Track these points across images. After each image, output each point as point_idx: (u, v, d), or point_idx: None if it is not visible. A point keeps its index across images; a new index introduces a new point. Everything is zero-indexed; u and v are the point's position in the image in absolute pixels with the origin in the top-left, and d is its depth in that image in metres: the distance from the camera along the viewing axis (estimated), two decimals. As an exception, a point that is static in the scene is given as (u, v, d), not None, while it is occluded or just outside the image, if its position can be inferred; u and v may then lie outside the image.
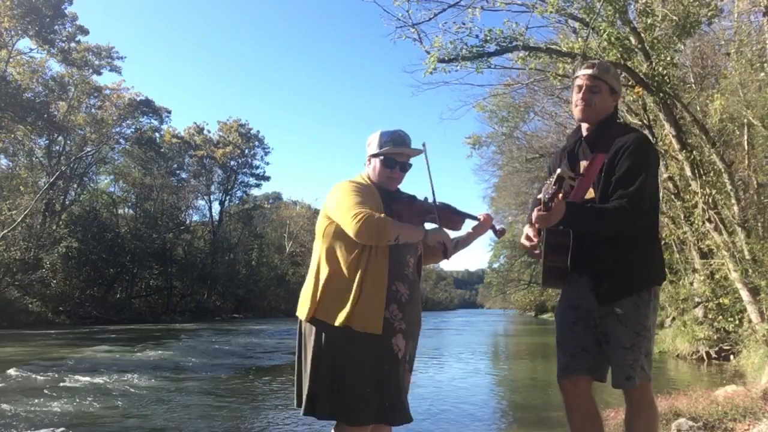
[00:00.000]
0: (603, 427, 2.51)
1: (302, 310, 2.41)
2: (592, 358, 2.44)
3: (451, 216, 2.63)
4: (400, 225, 2.32)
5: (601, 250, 2.38)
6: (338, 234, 2.36)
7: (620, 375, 2.36)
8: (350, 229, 2.26)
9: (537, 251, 2.56)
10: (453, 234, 2.66)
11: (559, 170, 2.12)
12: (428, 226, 2.61)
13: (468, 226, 2.70)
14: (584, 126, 2.55)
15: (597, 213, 2.30)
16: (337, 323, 2.29)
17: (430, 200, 2.57)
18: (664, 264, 2.61)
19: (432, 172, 2.53)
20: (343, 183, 2.46)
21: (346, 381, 2.27)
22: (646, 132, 11.46)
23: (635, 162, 2.31)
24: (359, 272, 2.32)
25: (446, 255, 2.49)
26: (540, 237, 2.54)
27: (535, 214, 2.22)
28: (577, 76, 2.55)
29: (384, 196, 2.47)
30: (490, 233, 2.74)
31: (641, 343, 2.35)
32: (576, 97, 2.50)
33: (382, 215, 2.28)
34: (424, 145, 2.55)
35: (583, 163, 2.51)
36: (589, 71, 2.46)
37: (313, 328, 2.36)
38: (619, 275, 2.36)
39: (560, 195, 2.14)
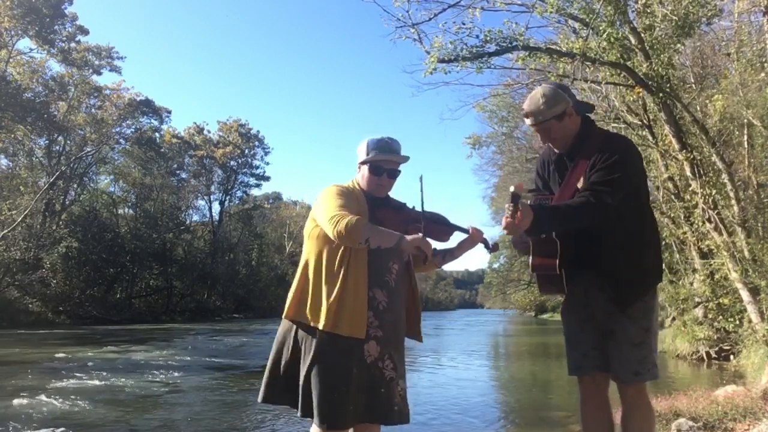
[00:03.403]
0: (614, 425, 2.53)
1: (286, 306, 2.47)
2: (601, 356, 2.46)
3: (439, 227, 2.60)
4: (372, 228, 2.31)
5: (608, 252, 2.39)
6: (323, 237, 2.41)
7: (627, 371, 2.38)
8: (328, 229, 2.32)
9: (523, 240, 2.54)
10: (441, 246, 2.65)
11: (511, 188, 2.15)
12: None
13: (458, 238, 2.66)
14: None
15: (563, 211, 2.31)
16: (318, 326, 2.33)
17: (418, 209, 2.54)
18: (662, 261, 2.65)
19: (427, 198, 2.52)
20: (330, 186, 2.50)
21: (323, 383, 2.31)
22: (646, 132, 11.46)
23: (611, 162, 2.32)
24: (341, 276, 2.35)
25: (425, 261, 2.47)
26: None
27: (503, 223, 2.22)
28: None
29: (371, 203, 2.50)
30: (481, 247, 2.68)
31: (650, 339, 2.39)
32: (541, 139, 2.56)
33: (357, 217, 2.29)
34: (420, 178, 2.53)
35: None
36: (529, 121, 2.49)
37: (293, 327, 2.43)
38: (635, 280, 2.38)
39: (519, 213, 2.14)
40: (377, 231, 2.33)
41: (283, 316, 2.47)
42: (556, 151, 2.55)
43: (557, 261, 2.41)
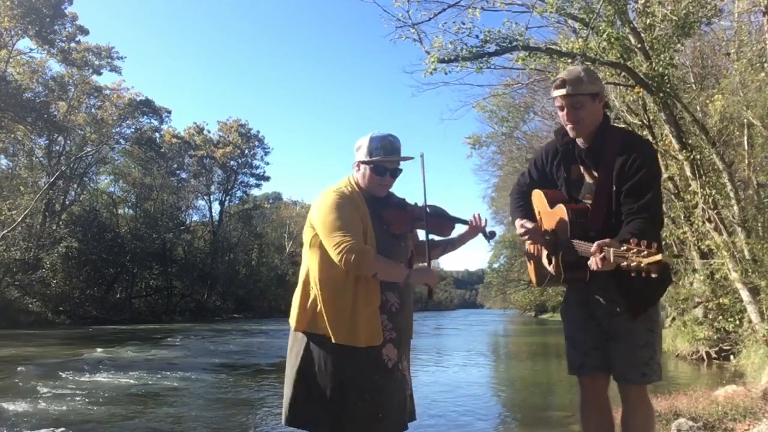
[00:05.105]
0: (614, 425, 2.52)
1: (293, 319, 2.40)
2: (602, 356, 2.46)
3: (442, 222, 2.62)
4: (381, 261, 2.29)
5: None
6: (324, 246, 2.35)
7: (635, 372, 2.37)
8: (332, 255, 2.27)
9: (537, 236, 2.55)
10: (442, 238, 2.68)
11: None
12: (420, 234, 2.63)
13: (459, 229, 2.71)
14: (579, 139, 2.50)
15: (642, 238, 2.18)
16: (334, 339, 2.27)
17: (421, 205, 2.55)
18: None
19: (427, 182, 2.49)
20: (327, 194, 2.41)
21: (337, 396, 2.25)
22: (646, 132, 11.45)
23: (645, 174, 2.29)
24: (350, 285, 2.30)
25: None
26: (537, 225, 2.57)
27: (600, 264, 2.15)
28: (555, 96, 2.45)
29: (373, 202, 2.44)
30: (480, 237, 2.73)
31: (654, 340, 2.39)
32: (562, 116, 2.43)
33: (365, 247, 2.26)
34: (421, 156, 2.49)
35: (581, 168, 2.49)
36: (563, 91, 2.37)
37: (305, 339, 2.36)
38: (646, 288, 2.31)
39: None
40: (386, 265, 2.31)
41: (293, 329, 2.41)
42: (572, 135, 2.46)
43: (587, 270, 2.36)
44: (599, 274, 2.32)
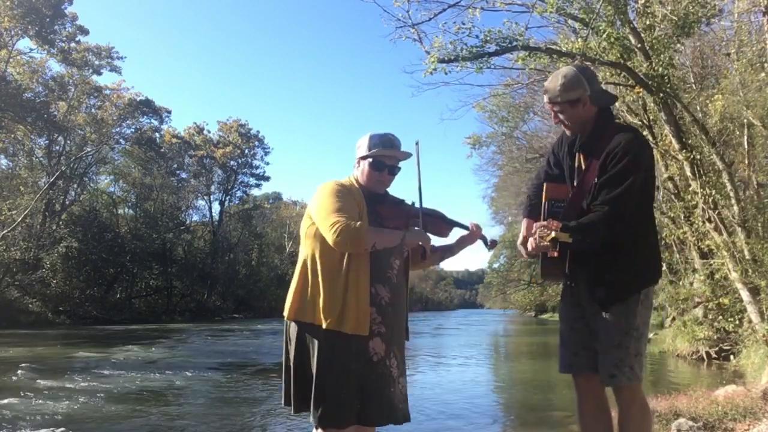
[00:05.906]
0: (612, 425, 2.52)
1: (286, 308, 2.43)
2: (591, 356, 2.46)
3: (439, 223, 2.60)
4: (376, 232, 2.32)
5: (597, 253, 2.39)
6: (320, 235, 2.36)
7: (605, 372, 2.38)
8: (328, 237, 2.28)
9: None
10: (440, 241, 2.66)
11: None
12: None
13: (457, 234, 2.67)
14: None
15: (584, 228, 2.28)
16: (321, 325, 2.30)
17: (418, 206, 2.54)
18: (661, 263, 2.63)
19: (422, 172, 2.51)
20: (326, 184, 2.45)
21: (322, 382, 2.28)
22: (646, 132, 11.46)
23: (622, 167, 2.30)
24: (342, 274, 2.32)
25: (424, 257, 2.49)
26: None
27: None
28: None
29: (370, 199, 2.46)
30: (481, 244, 2.67)
31: (629, 342, 2.36)
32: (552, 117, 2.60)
33: (359, 223, 2.27)
34: (417, 143, 2.52)
35: (581, 157, 2.53)
36: (545, 98, 2.53)
37: (295, 328, 2.40)
38: (617, 281, 2.37)
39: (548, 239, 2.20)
40: (381, 234, 2.34)
41: (285, 318, 2.44)
42: (567, 133, 2.57)
43: (566, 263, 2.43)
44: (580, 270, 2.41)
